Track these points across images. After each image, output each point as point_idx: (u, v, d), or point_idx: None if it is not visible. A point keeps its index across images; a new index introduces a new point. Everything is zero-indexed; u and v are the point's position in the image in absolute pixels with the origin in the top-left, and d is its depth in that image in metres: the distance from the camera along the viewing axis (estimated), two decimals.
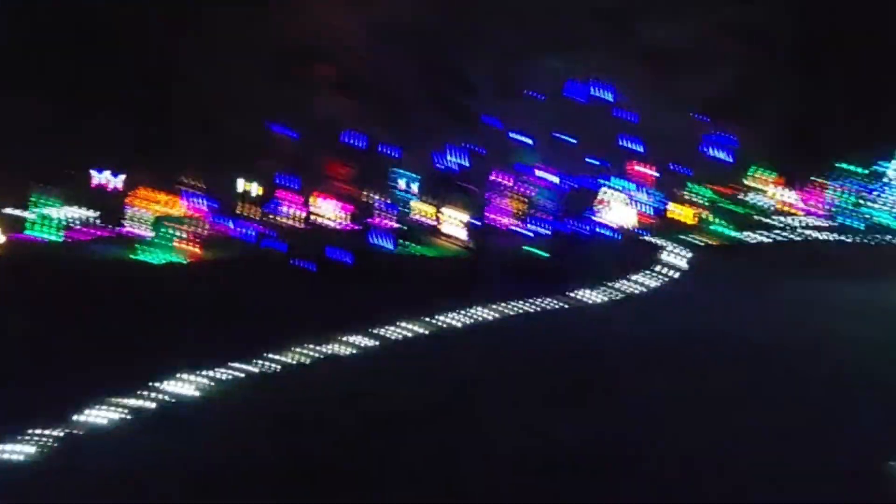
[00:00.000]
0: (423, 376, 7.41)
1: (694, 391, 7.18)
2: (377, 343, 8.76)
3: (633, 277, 14.31)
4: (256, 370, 7.75)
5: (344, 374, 7.59)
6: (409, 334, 9.38)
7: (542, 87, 16.42)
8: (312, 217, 24.52)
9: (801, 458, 5.36)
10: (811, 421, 6.26)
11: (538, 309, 11.49)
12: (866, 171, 26.54)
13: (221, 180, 22.08)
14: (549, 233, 18.23)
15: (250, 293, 11.81)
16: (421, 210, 24.94)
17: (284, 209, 25.71)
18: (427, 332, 9.55)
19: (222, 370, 7.48)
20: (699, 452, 5.62)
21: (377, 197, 23.93)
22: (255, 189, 23.00)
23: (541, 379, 7.39)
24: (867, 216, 25.03)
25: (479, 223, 15.42)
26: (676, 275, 15.93)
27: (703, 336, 9.89)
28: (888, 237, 22.70)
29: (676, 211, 30.76)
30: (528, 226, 18.03)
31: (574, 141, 18.15)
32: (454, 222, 19.41)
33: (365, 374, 7.53)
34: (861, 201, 25.41)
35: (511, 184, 18.58)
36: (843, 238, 23.59)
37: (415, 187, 23.52)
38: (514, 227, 17.77)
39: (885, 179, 24.75)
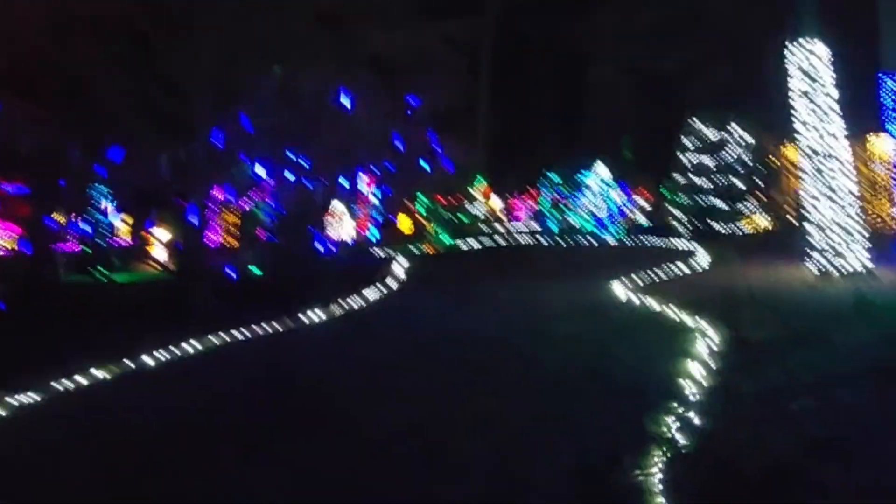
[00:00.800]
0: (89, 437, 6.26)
1: (420, 400, 6.95)
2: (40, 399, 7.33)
3: (357, 291, 14.26)
4: None
5: None
6: (86, 382, 8.02)
7: (264, 95, 15.52)
8: None
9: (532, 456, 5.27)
10: (547, 415, 6.26)
11: (247, 336, 10.64)
12: (566, 181, 29.90)
13: None
14: (268, 250, 17.45)
15: None
16: (120, 230, 22.59)
17: None
18: (108, 377, 8.25)
19: None
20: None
21: (65, 216, 21.06)
22: None
23: (234, 421, 6.61)
24: (566, 221, 28.09)
25: (186, 242, 13.97)
26: (396, 286, 16.20)
27: (423, 344, 9.91)
28: (582, 239, 25.78)
29: (401, 221, 31.97)
30: (246, 243, 17.04)
31: (298, 152, 17.52)
32: (158, 242, 17.72)
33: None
34: (563, 207, 28.43)
35: (228, 198, 17.51)
36: (543, 241, 26.35)
37: (110, 205, 21.18)
38: (228, 245, 16.65)
39: (587, 189, 28.03)
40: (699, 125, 24.74)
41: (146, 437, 6.23)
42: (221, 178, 14.65)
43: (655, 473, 5.00)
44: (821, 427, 5.66)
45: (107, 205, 18.82)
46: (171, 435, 6.31)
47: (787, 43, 14.56)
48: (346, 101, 17.82)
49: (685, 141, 25.07)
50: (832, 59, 14.40)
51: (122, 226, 21.90)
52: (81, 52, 13.46)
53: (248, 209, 17.06)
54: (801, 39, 14.38)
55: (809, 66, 14.29)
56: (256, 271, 16.62)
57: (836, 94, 14.27)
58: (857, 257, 13.86)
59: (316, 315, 12.13)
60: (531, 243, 26.49)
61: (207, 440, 6.17)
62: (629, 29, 33.14)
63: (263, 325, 11.16)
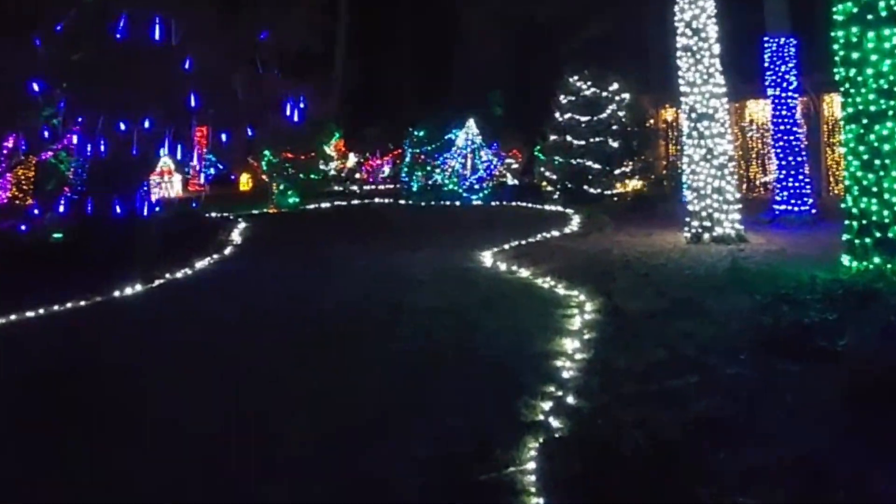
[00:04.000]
0: None
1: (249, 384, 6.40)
2: None
3: (184, 259, 13.41)
4: None
5: None
6: None
7: (71, 23, 14.00)
8: None
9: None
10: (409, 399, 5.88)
11: (39, 314, 9.62)
12: (432, 138, 29.75)
13: None
14: (74, 210, 15.92)
15: None
16: None
17: None
18: None
19: None
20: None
21: None
22: None
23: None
24: (429, 181, 28.02)
25: None
26: (231, 251, 15.51)
27: (256, 320, 9.32)
28: (446, 201, 25.81)
29: (241, 179, 30.71)
30: (44, 201, 15.45)
31: (114, 95, 16.03)
32: None
33: None
34: (426, 166, 28.28)
35: (18, 147, 15.80)
36: (403, 202, 26.24)
37: None
38: (23, 206, 15.00)
39: (454, 148, 27.98)
40: (575, 81, 25.13)
41: None
42: (7, 120, 13.07)
43: (528, 465, 4.75)
44: (704, 404, 5.62)
45: None
46: None
47: None
48: (170, 38, 16.50)
49: (560, 98, 25.41)
50: (718, 19, 14.82)
51: None
52: None
53: (45, 160, 15.39)
54: None
55: (698, 23, 14.65)
56: (57, 235, 15.16)
57: (718, 53, 14.73)
58: (729, 222, 14.47)
59: (130, 288, 11.18)
60: (389, 204, 26.26)
61: None
62: None
63: (63, 300, 10.13)
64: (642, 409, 5.54)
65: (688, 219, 14.71)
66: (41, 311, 9.76)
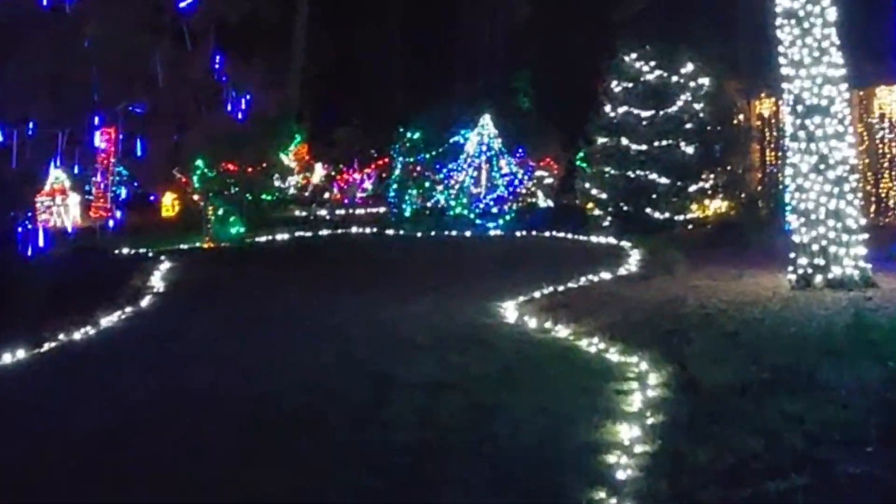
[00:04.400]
0: None
1: None
2: None
3: (85, 313, 13.53)
4: None
5: None
6: None
7: None
8: None
9: None
10: None
11: None
12: (431, 142, 30.01)
13: None
14: None
15: None
16: None
17: None
18: None
19: None
20: None
21: None
22: None
23: None
24: (428, 200, 28.24)
25: None
26: (147, 302, 15.69)
27: (179, 409, 9.36)
28: (452, 230, 25.89)
29: (165, 200, 30.93)
30: None
31: None
32: None
33: None
34: (424, 181, 28.50)
35: None
36: (392, 232, 26.38)
37: None
38: None
39: (463, 156, 28.15)
40: (633, 62, 25.40)
41: None
42: None
43: None
44: None
45: None
46: None
47: None
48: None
49: (612, 85, 25.69)
50: None
51: None
52: None
53: None
54: None
55: None
56: None
57: (835, 20, 14.61)
58: (851, 259, 14.52)
59: (8, 354, 11.28)
60: (373, 234, 26.44)
61: None
62: None
63: None
64: None
65: (793, 254, 14.78)
66: None
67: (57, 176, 26.06)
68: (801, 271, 14.66)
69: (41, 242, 20.33)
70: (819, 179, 14.68)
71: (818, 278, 14.48)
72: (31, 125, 16.30)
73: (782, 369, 9.12)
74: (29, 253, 16.69)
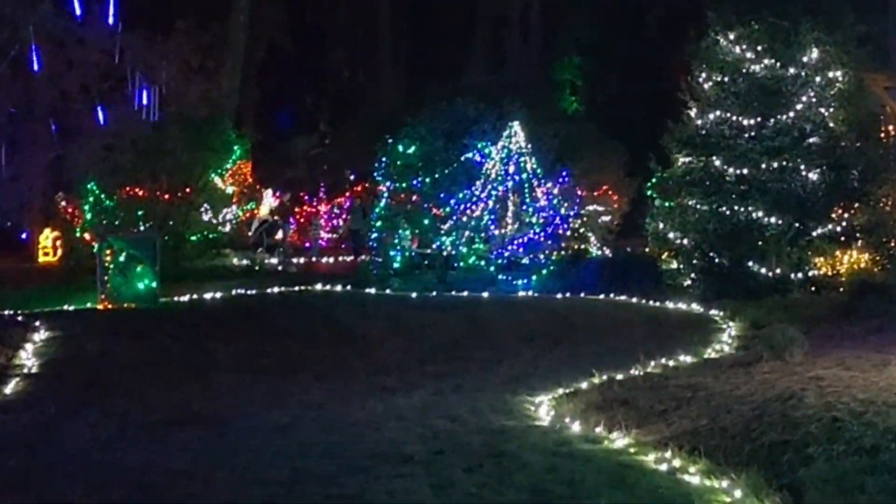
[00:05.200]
0: None
1: None
2: None
3: None
4: None
5: None
6: None
7: None
8: None
9: None
10: None
11: None
12: (431, 158, 30.19)
13: None
14: None
15: None
16: None
17: None
18: None
19: None
20: None
21: None
22: None
23: None
24: (428, 247, 28.34)
25: None
26: (11, 389, 16.13)
27: None
28: (463, 289, 25.93)
29: (41, 239, 31.15)
30: None
31: None
32: None
33: None
34: (421, 214, 28.66)
35: None
36: (371, 291, 26.42)
37: None
38: None
39: (480, 181, 28.17)
40: (731, 44, 25.62)
41: None
42: None
43: None
44: None
45: None
46: None
47: None
48: None
49: (700, 77, 25.91)
50: None
51: None
52: None
53: None
54: None
55: None
56: None
57: None
58: None
59: None
60: (346, 293, 26.46)
61: None
62: None
63: None
64: None
65: None
66: None
67: None
68: None
69: None
70: None
71: None
72: None
73: None
74: None
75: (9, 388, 15.90)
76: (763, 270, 24.43)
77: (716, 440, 11.59)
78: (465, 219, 28.26)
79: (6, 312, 22.12)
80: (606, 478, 10.95)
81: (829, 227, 25.21)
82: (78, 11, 20.80)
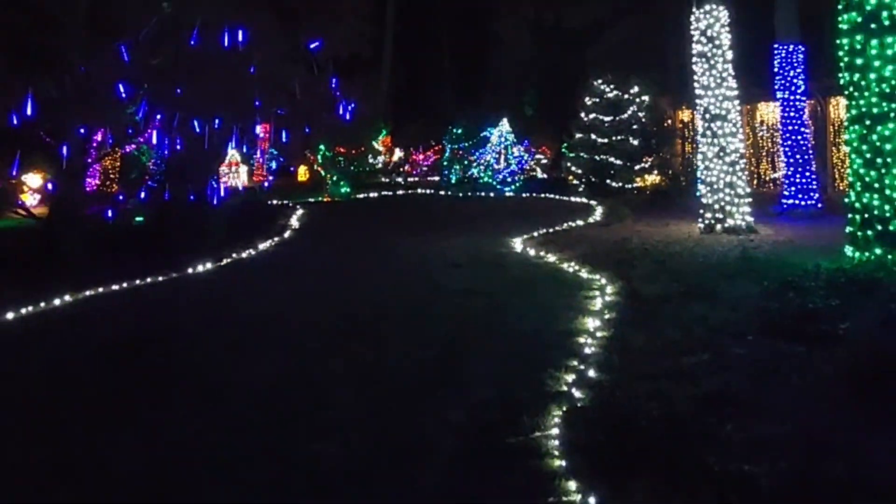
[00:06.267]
0: None
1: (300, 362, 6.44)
2: None
3: (249, 241, 13.61)
4: None
5: None
6: None
7: (150, 30, 14.17)
8: None
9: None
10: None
11: (124, 287, 9.81)
12: (469, 135, 29.62)
13: None
14: (152, 197, 16.16)
15: None
16: None
17: None
18: None
19: None
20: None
21: None
22: None
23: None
24: (466, 174, 27.93)
25: (59, 187, 12.68)
26: (288, 234, 15.70)
27: (311, 294, 9.39)
28: (481, 192, 25.64)
29: (299, 171, 30.91)
30: (127, 188, 15.70)
31: (188, 94, 16.21)
32: (26, 187, 16.07)
33: None
34: (464, 161, 28.18)
35: (106, 140, 16.06)
36: (442, 193, 26.15)
37: None
38: (108, 191, 15.25)
39: (489, 144, 27.81)
40: (599, 84, 24.82)
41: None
42: (98, 117, 13.27)
43: (553, 431, 4.75)
44: (715, 380, 5.55)
45: None
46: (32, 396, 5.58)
47: (693, 9, 14.67)
48: (241, 42, 16.57)
49: (585, 99, 25.14)
50: (731, 28, 14.60)
51: None
52: None
53: (129, 153, 15.58)
54: (706, 6, 14.50)
55: (712, 32, 14.43)
56: (139, 219, 15.45)
57: (731, 58, 14.53)
58: (740, 214, 14.22)
59: (202, 265, 11.36)
60: (431, 194, 26.18)
61: (70, 403, 5.47)
62: None
63: (144, 276, 10.33)
64: (657, 384, 5.49)
65: (702, 211, 14.49)
66: (125, 284, 9.97)
67: (232, 154, 26.10)
68: (707, 222, 14.38)
69: (223, 195, 20.35)
70: (719, 163, 14.38)
71: (718, 227, 14.20)
72: (216, 122, 16.12)
73: (694, 286, 8.95)
74: (215, 202, 16.63)
75: (286, 234, 15.86)
76: (613, 184, 23.91)
77: (594, 258, 11.38)
78: (483, 162, 27.75)
79: (284, 202, 21.94)
80: (547, 274, 10.79)
81: (642, 165, 24.57)
82: (315, 71, 20.05)
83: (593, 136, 24.76)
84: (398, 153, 34.41)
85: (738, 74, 14.77)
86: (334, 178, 25.22)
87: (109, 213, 13.66)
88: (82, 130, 12.67)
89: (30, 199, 15.33)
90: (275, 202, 21.91)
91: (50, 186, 13.86)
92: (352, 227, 17.59)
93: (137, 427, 5.04)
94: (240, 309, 8.76)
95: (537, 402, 5.25)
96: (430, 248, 13.43)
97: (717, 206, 14.26)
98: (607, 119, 24.59)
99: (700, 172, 14.81)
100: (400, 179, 31.80)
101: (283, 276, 11.21)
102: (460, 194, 25.55)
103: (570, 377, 5.80)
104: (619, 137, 24.35)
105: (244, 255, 12.83)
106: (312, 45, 20.61)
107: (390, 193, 26.43)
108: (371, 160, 30.25)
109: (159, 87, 15.03)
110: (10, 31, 12.66)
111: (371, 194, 25.49)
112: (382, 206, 23.55)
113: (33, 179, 16.45)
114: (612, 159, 24.20)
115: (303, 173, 31.04)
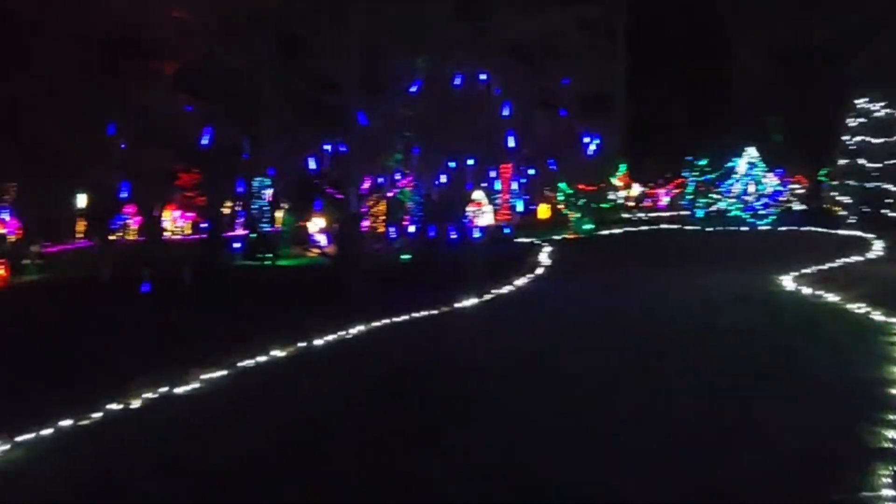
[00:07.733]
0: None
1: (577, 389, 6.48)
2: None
3: (504, 277, 13.99)
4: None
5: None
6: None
7: (409, 86, 15.51)
8: (165, 231, 22.33)
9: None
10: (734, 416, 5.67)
11: (406, 320, 10.56)
12: (713, 166, 28.15)
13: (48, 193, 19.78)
14: (417, 237, 17.40)
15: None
16: (279, 217, 23.39)
17: (130, 224, 23.36)
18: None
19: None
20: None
21: (231, 206, 22.02)
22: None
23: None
24: (713, 207, 26.40)
25: (343, 229, 14.14)
26: (540, 271, 15.72)
27: (580, 332, 9.39)
28: (731, 227, 23.92)
29: (540, 209, 31.34)
30: (394, 230, 17.03)
31: (443, 141, 17.39)
32: (315, 228, 18.11)
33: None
34: (708, 193, 26.73)
35: (376, 186, 17.62)
36: (687, 228, 24.81)
37: (269, 193, 21.83)
38: (379, 232, 16.66)
39: (736, 175, 26.12)
40: (866, 102, 22.30)
41: (311, 417, 6.16)
42: (373, 166, 14.68)
43: (886, 492, 4.24)
44: None
45: (268, 194, 19.35)
46: (335, 414, 6.21)
47: None
48: (488, 88, 17.43)
49: (848, 121, 22.73)
50: None
51: (281, 214, 22.65)
52: (244, 52, 13.97)
53: (393, 196, 17.02)
54: None
55: None
56: (406, 256, 16.63)
57: None
58: None
59: (467, 300, 11.88)
60: (676, 229, 24.95)
61: (366, 425, 5.98)
62: (772, 2, 30.65)
63: (419, 308, 11.02)
64: None
65: None
66: (405, 317, 10.64)
67: (476, 193, 27.16)
68: None
69: (475, 234, 21.25)
70: None
71: None
72: (470, 162, 17.07)
73: None
74: (465, 241, 17.49)
75: (538, 271, 15.94)
76: (891, 214, 21.24)
77: (886, 299, 10.12)
78: (731, 194, 25.98)
79: (530, 239, 21.93)
80: (830, 315, 9.82)
81: None
82: (560, 110, 20.49)
83: (861, 161, 22.28)
84: (637, 188, 33.65)
85: None
86: (577, 216, 25.20)
87: (377, 248, 14.94)
88: (364, 178, 14.03)
89: (319, 240, 17.17)
90: (522, 240, 22.18)
91: (329, 230, 15.50)
92: (601, 263, 17.25)
93: (449, 444, 5.33)
94: (512, 341, 9.00)
95: (858, 458, 4.74)
96: (688, 285, 12.79)
97: None
98: (877, 141, 22.02)
99: None
100: (641, 215, 30.97)
101: (545, 311, 11.34)
102: (709, 229, 24.17)
103: (892, 433, 5.16)
104: (893, 161, 21.67)
105: (504, 290, 13.15)
106: (559, 86, 21.00)
107: (633, 229, 25.73)
108: (611, 196, 29.87)
109: (422, 135, 16.25)
110: (299, 96, 14.42)
111: (614, 230, 25.00)
112: (629, 242, 22.84)
113: (319, 223, 18.45)
114: (886, 186, 21.55)
115: (544, 211, 31.39)
